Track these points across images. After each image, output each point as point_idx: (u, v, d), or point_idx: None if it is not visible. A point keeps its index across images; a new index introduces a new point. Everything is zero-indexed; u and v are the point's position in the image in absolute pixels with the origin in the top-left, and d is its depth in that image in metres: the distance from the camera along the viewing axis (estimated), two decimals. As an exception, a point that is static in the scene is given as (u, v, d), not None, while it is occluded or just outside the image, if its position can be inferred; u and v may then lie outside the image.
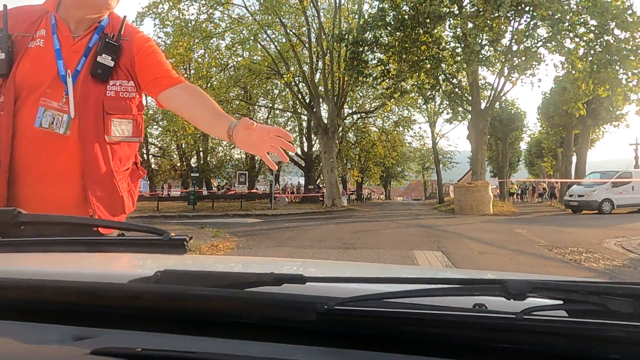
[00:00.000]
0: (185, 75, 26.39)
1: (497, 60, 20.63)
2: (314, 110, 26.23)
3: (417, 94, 25.94)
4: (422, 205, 37.01)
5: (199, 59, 27.33)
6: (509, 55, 19.44)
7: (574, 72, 19.09)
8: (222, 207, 24.11)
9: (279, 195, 29.24)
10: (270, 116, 38.19)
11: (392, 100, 25.61)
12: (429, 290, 0.64)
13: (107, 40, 1.60)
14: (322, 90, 25.90)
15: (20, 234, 0.97)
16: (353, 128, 38.74)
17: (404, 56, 21.54)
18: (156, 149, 40.08)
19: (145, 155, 38.99)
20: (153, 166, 39.61)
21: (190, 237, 0.88)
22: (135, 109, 1.68)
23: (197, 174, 27.66)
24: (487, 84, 24.52)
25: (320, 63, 26.19)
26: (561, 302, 0.60)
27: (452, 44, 22.61)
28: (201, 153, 37.75)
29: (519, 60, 19.27)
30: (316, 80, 26.35)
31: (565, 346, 0.58)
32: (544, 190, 39.42)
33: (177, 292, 0.68)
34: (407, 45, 21.28)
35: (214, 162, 40.15)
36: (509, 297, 0.59)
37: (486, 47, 20.32)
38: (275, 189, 35.01)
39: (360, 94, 35.64)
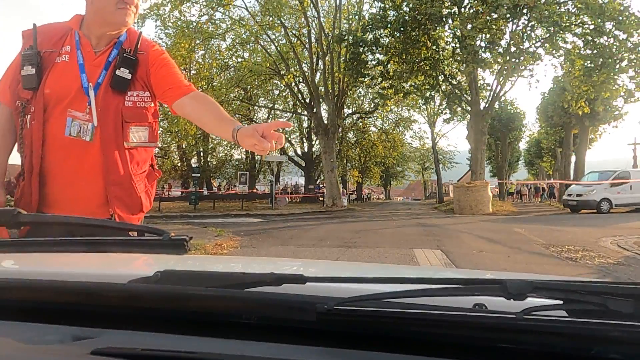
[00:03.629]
0: (186, 76, 26.32)
1: (494, 61, 20.62)
2: (314, 110, 26.22)
3: (416, 95, 25.91)
4: (422, 205, 37.00)
5: (200, 60, 27.32)
6: (507, 57, 19.42)
7: (572, 70, 19.08)
8: (223, 207, 24.09)
9: (280, 195, 29.24)
10: (270, 116, 38.19)
11: (392, 100, 25.59)
12: (429, 290, 0.63)
13: (125, 55, 1.74)
14: (322, 90, 25.89)
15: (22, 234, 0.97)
16: (353, 128, 38.75)
17: (404, 57, 21.52)
18: (157, 149, 39.98)
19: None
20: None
21: (190, 237, 0.88)
22: (150, 117, 1.81)
23: (199, 175, 27.65)
24: (485, 85, 24.47)
25: (320, 64, 26.19)
26: (561, 302, 0.60)
27: (452, 45, 22.60)
28: (202, 153, 37.77)
29: (517, 60, 19.25)
30: (316, 81, 26.33)
31: (565, 346, 0.57)
32: (543, 190, 39.45)
33: (177, 292, 0.67)
34: (407, 46, 21.25)
35: (215, 163, 40.17)
36: (509, 297, 0.59)
37: (484, 48, 20.29)
38: (275, 190, 35.03)
39: (359, 94, 35.69)
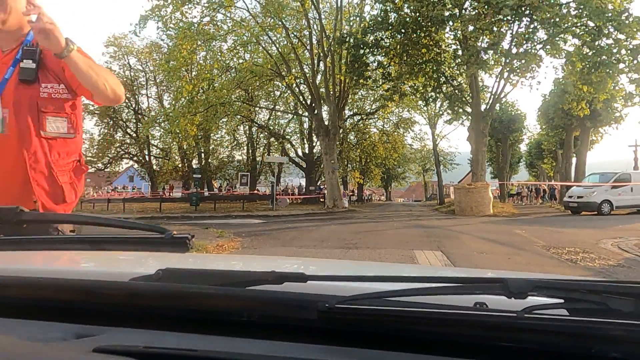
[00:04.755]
0: (188, 77, 26.28)
1: (496, 63, 20.59)
2: (315, 112, 26.22)
3: (417, 96, 25.89)
4: (423, 207, 36.96)
5: (202, 61, 27.34)
6: (509, 58, 19.41)
7: (572, 72, 19.05)
8: (224, 208, 24.10)
9: (280, 196, 29.26)
10: (271, 117, 38.32)
11: (392, 102, 25.55)
12: (430, 289, 0.63)
13: (25, 47, 1.87)
14: (323, 92, 25.88)
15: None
16: (354, 130, 38.77)
17: (405, 58, 21.51)
18: (158, 150, 40.23)
19: (147, 157, 39.19)
20: (155, 167, 39.78)
21: (192, 235, 0.88)
22: (68, 109, 1.92)
23: (200, 175, 27.68)
24: (485, 87, 24.42)
25: (321, 65, 26.20)
26: (562, 300, 0.60)
27: (453, 47, 22.58)
28: (202, 154, 37.83)
29: (519, 62, 19.23)
30: (317, 82, 26.32)
31: (566, 345, 0.57)
32: (543, 192, 39.41)
33: (178, 291, 0.68)
34: (408, 47, 21.24)
35: (216, 164, 40.24)
36: (510, 295, 0.59)
37: (486, 50, 20.26)
38: (277, 191, 34.97)
39: (361, 96, 35.76)
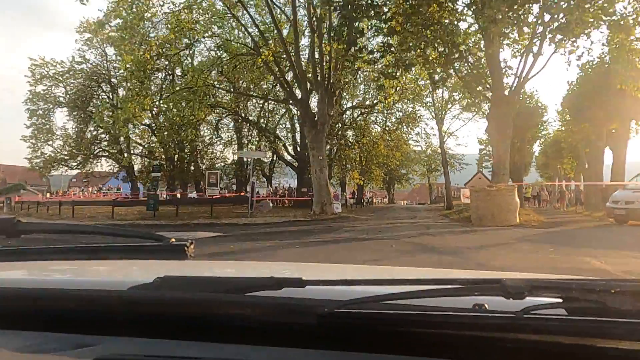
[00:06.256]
0: (128, 46, 25.14)
1: (531, 28, 19.74)
2: (300, 97, 25.75)
3: (426, 68, 24.74)
4: (429, 211, 36.70)
5: (153, 29, 26.82)
6: (551, 11, 18.48)
7: (625, 43, 18.28)
8: (190, 213, 23.49)
9: (262, 199, 28.78)
10: (261, 110, 38.55)
11: (395, 80, 24.48)
12: (429, 291, 0.76)
13: None
14: (311, 76, 25.37)
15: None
16: (353, 126, 38.92)
17: (409, 20, 20.45)
18: (140, 148, 40.35)
19: (124, 154, 39.06)
20: (137, 166, 39.81)
21: (191, 241, 1.00)
22: None
23: (159, 174, 27.45)
24: (508, 67, 23.93)
25: (307, 40, 25.86)
26: (560, 300, 0.72)
27: (470, 13, 21.70)
28: (189, 154, 37.97)
29: (560, 21, 18.27)
30: (301, 60, 25.69)
31: (565, 344, 0.69)
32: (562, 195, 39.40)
33: (177, 298, 0.80)
34: (413, 2, 20.21)
35: (206, 164, 40.34)
36: (508, 296, 0.71)
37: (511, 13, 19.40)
38: (267, 192, 34.78)
39: (360, 90, 36.03)
